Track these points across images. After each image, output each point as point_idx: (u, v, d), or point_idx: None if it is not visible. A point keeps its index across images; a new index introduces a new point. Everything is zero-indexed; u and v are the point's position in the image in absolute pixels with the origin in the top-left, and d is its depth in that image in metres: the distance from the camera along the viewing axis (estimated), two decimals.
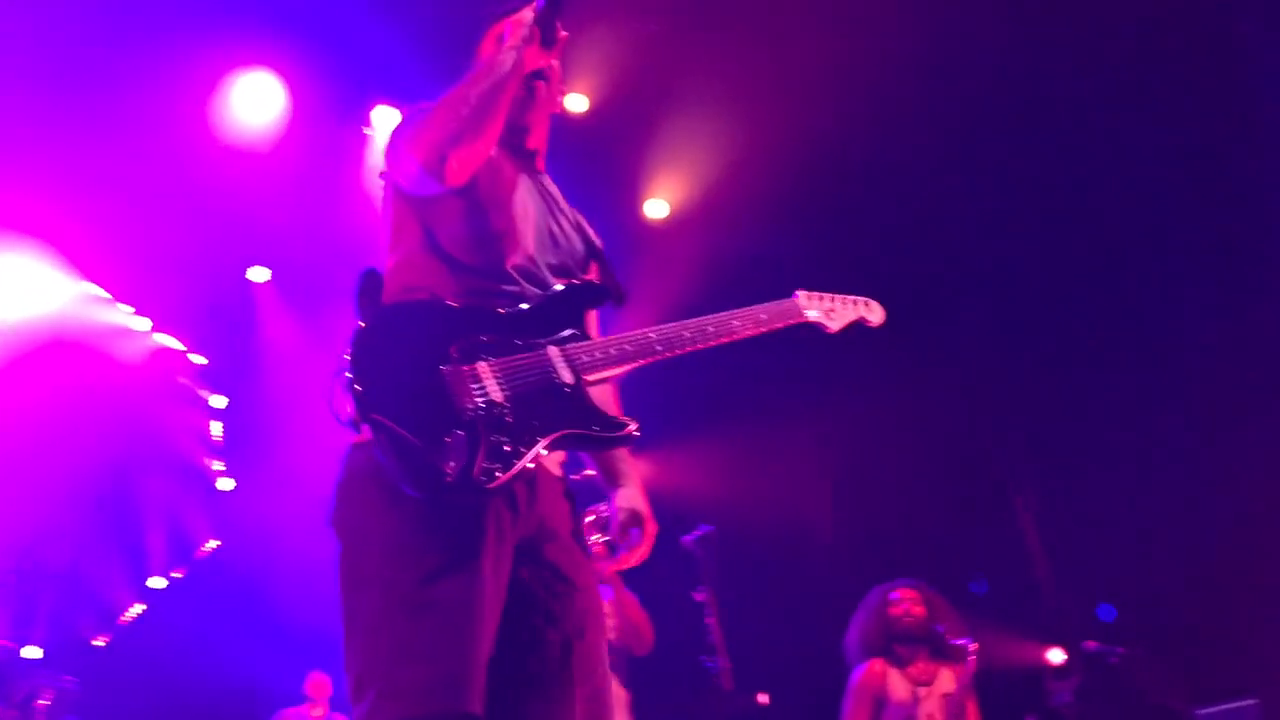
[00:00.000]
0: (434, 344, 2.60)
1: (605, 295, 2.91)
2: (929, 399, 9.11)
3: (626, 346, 2.80)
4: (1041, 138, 8.18)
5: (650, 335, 2.84)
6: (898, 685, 5.82)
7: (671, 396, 8.03)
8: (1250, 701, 6.80)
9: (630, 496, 3.01)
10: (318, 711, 7.96)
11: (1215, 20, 7.52)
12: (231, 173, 7.80)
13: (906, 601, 6.00)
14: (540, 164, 3.12)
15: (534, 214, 2.94)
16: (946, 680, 5.82)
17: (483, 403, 2.56)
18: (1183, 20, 7.46)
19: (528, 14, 2.88)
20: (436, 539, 2.49)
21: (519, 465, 2.53)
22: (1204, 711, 6.71)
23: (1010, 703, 8.52)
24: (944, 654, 5.87)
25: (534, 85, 2.99)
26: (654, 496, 3.05)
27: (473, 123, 2.70)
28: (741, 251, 8.53)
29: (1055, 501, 9.24)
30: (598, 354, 2.77)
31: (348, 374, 2.50)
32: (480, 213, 2.82)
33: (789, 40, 7.32)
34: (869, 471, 9.41)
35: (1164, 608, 8.53)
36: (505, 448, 2.53)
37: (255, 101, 7.78)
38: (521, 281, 2.80)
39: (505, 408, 2.58)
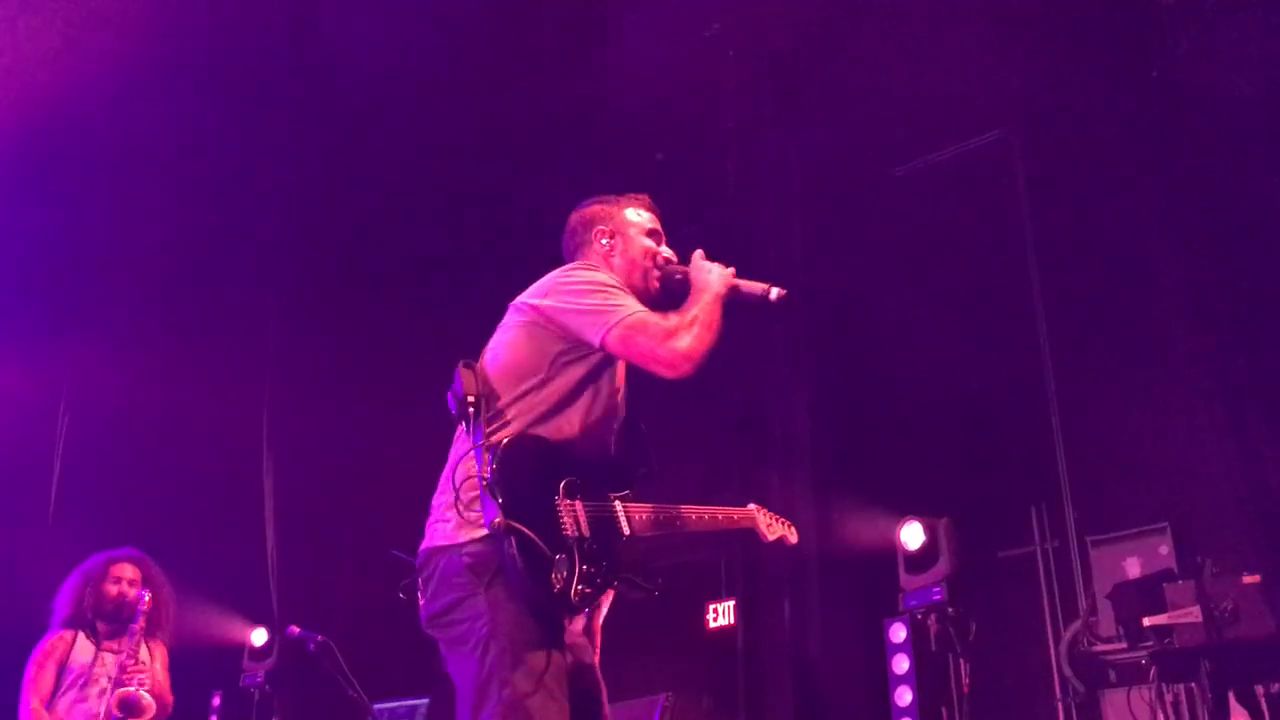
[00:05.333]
0: (548, 476, 3.19)
1: (651, 473, 3.53)
2: (198, 370, 8.99)
3: (660, 516, 3.49)
4: None
5: (673, 511, 3.54)
6: (83, 650, 5.87)
7: None
8: (423, 700, 7.70)
9: None
10: None
11: None
12: None
13: (125, 581, 6.03)
14: None
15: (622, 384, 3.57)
16: (144, 652, 5.91)
17: (577, 535, 3.15)
18: None
19: (753, 286, 3.43)
20: (548, 633, 3.10)
21: (598, 593, 3.18)
22: (381, 706, 7.46)
23: (206, 679, 8.59)
24: (148, 629, 5.97)
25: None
26: None
27: (713, 345, 3.29)
28: None
29: (296, 475, 9.39)
30: (644, 517, 3.43)
31: (493, 485, 3.07)
32: (614, 377, 3.44)
33: None
34: (123, 426, 9.09)
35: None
36: (594, 577, 3.16)
37: None
38: (608, 439, 3.42)
39: (593, 544, 3.18)
